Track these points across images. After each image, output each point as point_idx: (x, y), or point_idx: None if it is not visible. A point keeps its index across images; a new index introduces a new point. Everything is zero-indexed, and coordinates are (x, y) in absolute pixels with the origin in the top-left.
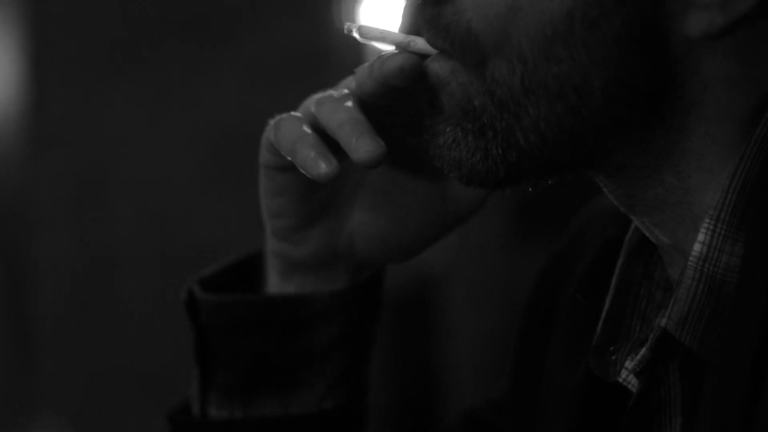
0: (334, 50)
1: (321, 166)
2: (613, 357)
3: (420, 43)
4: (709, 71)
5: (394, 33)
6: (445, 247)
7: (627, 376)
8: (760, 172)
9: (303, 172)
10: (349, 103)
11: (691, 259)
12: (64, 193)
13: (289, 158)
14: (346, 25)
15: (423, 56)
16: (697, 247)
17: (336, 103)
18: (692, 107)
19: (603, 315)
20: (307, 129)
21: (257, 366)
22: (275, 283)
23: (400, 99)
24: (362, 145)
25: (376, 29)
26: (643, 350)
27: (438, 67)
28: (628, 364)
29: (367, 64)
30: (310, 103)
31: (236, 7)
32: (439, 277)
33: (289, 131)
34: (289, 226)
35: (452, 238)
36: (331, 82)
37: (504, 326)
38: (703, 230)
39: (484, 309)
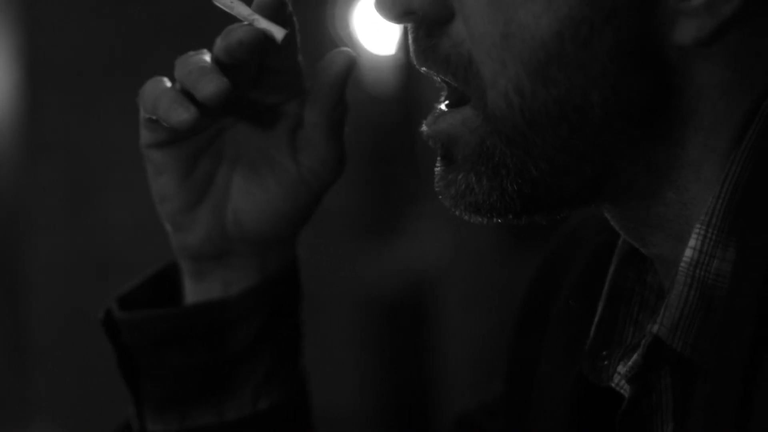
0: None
1: (180, 113)
2: (606, 362)
3: (263, 24)
4: (704, 79)
5: (242, 6)
6: (439, 250)
7: (619, 381)
8: (750, 177)
9: (164, 123)
10: (203, 56)
11: (682, 264)
12: (59, 199)
13: (153, 116)
14: None
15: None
16: (688, 252)
17: (190, 57)
18: (689, 118)
19: (596, 320)
20: (166, 85)
21: (183, 378)
22: (190, 288)
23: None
24: (206, 83)
25: None
26: (635, 356)
27: (447, 125)
28: (621, 369)
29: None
30: None
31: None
32: (434, 281)
33: (150, 91)
34: (176, 208)
35: (447, 241)
36: None
37: (498, 329)
38: (694, 236)
39: (478, 312)
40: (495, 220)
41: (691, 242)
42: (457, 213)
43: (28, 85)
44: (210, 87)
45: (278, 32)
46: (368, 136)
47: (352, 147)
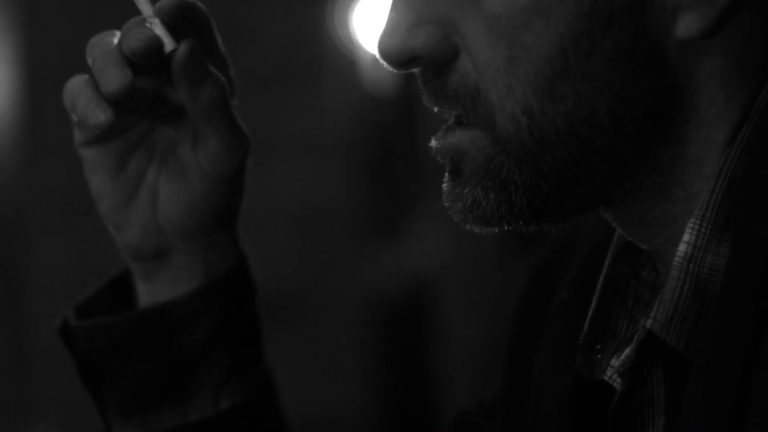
0: (328, 57)
1: (97, 115)
2: (599, 355)
3: (157, 29)
4: (705, 73)
5: (146, 4)
6: (440, 251)
7: (612, 374)
8: (744, 172)
9: (83, 124)
10: (111, 39)
11: (676, 259)
12: (60, 201)
13: (73, 115)
14: None
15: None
16: (682, 247)
17: (100, 40)
18: (691, 115)
19: (590, 314)
20: (85, 84)
21: (142, 382)
22: (141, 290)
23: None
24: (108, 78)
25: None
26: (628, 350)
27: (456, 140)
28: (614, 362)
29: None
30: None
31: (230, 14)
32: (434, 282)
33: (70, 89)
34: (111, 206)
35: (448, 243)
36: (325, 89)
37: (499, 331)
38: (688, 230)
39: (479, 313)
40: (505, 228)
41: (685, 237)
42: (467, 227)
43: (28, 87)
44: (113, 82)
45: (168, 44)
46: (368, 137)
47: (352, 148)
